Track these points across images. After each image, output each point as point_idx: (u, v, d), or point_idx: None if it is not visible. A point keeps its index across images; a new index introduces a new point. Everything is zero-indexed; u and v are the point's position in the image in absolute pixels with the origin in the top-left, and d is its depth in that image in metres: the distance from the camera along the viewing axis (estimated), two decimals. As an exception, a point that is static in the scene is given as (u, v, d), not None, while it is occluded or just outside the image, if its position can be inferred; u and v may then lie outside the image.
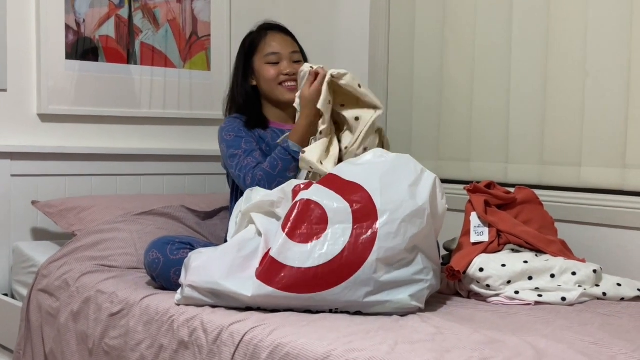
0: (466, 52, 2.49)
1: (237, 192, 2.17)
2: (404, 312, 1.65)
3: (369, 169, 1.76)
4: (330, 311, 1.65)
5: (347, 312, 1.65)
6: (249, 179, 2.02)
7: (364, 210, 1.66)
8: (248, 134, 2.14)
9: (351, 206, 1.67)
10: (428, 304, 1.71)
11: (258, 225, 1.75)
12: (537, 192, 2.30)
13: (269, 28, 2.26)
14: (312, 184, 1.79)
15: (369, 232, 1.63)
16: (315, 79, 1.98)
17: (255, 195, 1.86)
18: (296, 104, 2.05)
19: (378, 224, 1.64)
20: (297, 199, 1.72)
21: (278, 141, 2.08)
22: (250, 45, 2.24)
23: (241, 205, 1.89)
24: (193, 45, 2.90)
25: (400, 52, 2.72)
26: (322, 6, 3.00)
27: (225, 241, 2.00)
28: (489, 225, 1.95)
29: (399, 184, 1.71)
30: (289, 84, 2.18)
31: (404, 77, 2.70)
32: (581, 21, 2.19)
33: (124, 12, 2.73)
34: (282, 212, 1.76)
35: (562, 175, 2.27)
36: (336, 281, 1.61)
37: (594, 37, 2.17)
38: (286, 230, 1.65)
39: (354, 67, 2.76)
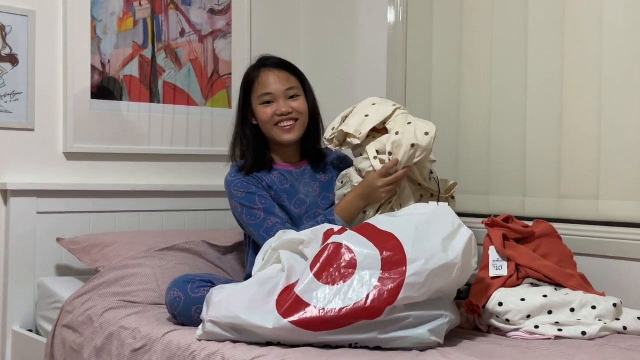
0: (483, 87, 2.52)
1: (250, 240, 2.16)
2: (424, 347, 1.65)
3: (406, 220, 1.77)
4: (350, 346, 1.66)
5: (367, 347, 1.66)
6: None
7: (394, 259, 1.66)
8: (257, 186, 2.09)
9: (381, 253, 1.68)
10: (447, 338, 1.72)
11: (284, 260, 1.78)
12: (555, 225, 2.30)
13: (262, 65, 2.19)
14: (345, 230, 1.82)
15: (396, 281, 1.63)
16: (386, 170, 1.93)
17: (287, 235, 1.90)
18: (355, 179, 2.01)
19: (406, 274, 1.64)
20: (329, 241, 1.74)
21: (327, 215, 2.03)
22: (247, 85, 2.19)
23: (271, 241, 1.92)
24: (214, 83, 2.97)
25: (418, 86, 2.75)
26: (341, 42, 3.05)
27: (248, 275, 2.02)
28: (508, 260, 1.96)
29: (433, 235, 1.71)
30: (285, 124, 2.13)
31: (422, 111, 2.72)
32: (596, 54, 2.21)
33: (147, 53, 2.80)
34: (309, 252, 1.78)
35: (580, 208, 2.26)
36: (356, 322, 1.62)
37: (609, 69, 2.18)
38: (314, 270, 1.68)
39: (372, 103, 2.80)
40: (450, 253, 1.69)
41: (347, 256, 1.69)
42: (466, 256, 1.71)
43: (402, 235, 1.70)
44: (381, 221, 1.80)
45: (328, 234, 1.81)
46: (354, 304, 1.62)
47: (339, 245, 1.71)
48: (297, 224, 2.11)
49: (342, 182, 2.11)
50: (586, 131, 2.24)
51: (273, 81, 2.15)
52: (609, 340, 1.78)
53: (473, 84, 2.56)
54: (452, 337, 1.75)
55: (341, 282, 1.65)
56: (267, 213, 2.05)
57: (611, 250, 2.16)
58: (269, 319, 1.64)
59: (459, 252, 1.69)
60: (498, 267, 1.94)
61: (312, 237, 1.83)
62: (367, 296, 1.62)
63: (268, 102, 2.14)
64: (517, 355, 1.62)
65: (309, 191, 2.18)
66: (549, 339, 1.79)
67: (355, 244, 1.71)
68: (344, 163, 2.28)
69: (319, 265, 1.69)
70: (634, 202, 2.13)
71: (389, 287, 1.63)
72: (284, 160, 2.21)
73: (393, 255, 1.67)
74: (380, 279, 1.64)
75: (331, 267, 1.68)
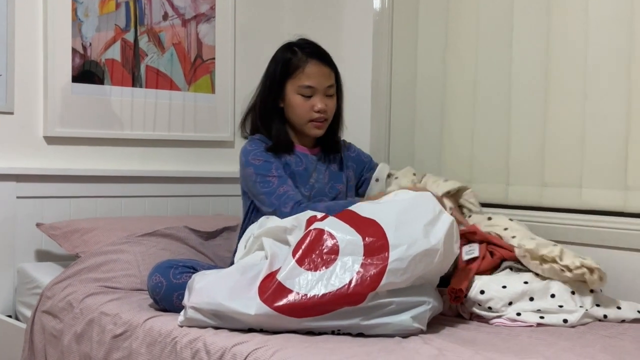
0: (468, 75, 2.52)
1: (251, 214, 2.14)
2: (406, 334, 1.66)
3: (387, 206, 1.77)
4: (332, 332, 1.65)
5: (349, 334, 1.66)
6: (288, 207, 1.97)
7: (376, 244, 1.67)
8: (276, 160, 2.08)
9: (363, 239, 1.68)
10: (430, 325, 1.72)
11: (266, 247, 1.77)
12: (538, 213, 2.32)
13: (310, 54, 2.11)
14: (328, 216, 1.81)
15: (379, 266, 1.63)
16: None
17: (269, 222, 1.89)
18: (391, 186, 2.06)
19: (389, 259, 1.64)
20: (311, 227, 1.73)
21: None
22: (286, 67, 2.11)
23: (254, 228, 1.91)
24: (198, 68, 2.94)
25: (403, 73, 2.74)
26: (326, 28, 3.03)
27: (232, 262, 2.01)
28: (479, 242, 1.97)
29: (414, 221, 1.71)
30: (319, 122, 2.12)
31: (407, 101, 2.72)
32: (581, 45, 2.22)
33: (129, 36, 2.77)
34: (293, 239, 1.78)
35: (562, 197, 2.28)
36: (339, 308, 1.62)
37: (594, 60, 2.19)
38: (296, 256, 1.67)
39: (357, 91, 2.79)
40: (432, 239, 1.69)
41: (329, 242, 1.69)
42: (448, 242, 1.72)
43: (384, 221, 1.71)
44: (363, 208, 1.79)
45: (311, 221, 1.81)
46: (337, 289, 1.61)
47: (321, 232, 1.71)
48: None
49: (377, 180, 2.24)
50: (570, 120, 2.25)
51: (318, 75, 2.10)
52: (590, 327, 1.79)
53: (458, 72, 2.56)
54: (435, 324, 1.76)
55: (323, 268, 1.65)
56: (281, 181, 2.03)
57: (593, 239, 2.18)
58: (251, 306, 1.63)
59: (441, 238, 1.70)
60: (468, 252, 1.95)
61: (295, 224, 1.83)
62: (350, 282, 1.62)
63: (306, 96, 2.10)
64: (499, 342, 1.63)
65: (319, 177, 2.18)
66: (531, 326, 1.80)
67: (338, 230, 1.71)
68: (354, 161, 2.32)
69: (301, 251, 1.68)
70: (617, 190, 2.15)
71: (372, 272, 1.63)
72: (301, 143, 2.20)
73: (375, 241, 1.67)
74: (362, 265, 1.64)
75: (313, 253, 1.68)
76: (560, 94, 2.27)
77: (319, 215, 1.84)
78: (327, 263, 1.66)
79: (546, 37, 2.30)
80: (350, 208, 1.82)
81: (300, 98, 2.10)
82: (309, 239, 1.70)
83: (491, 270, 1.94)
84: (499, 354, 1.50)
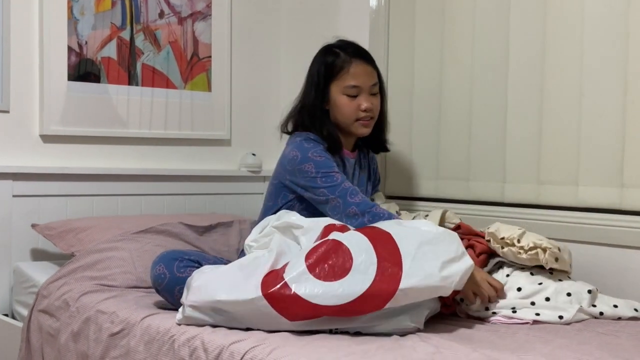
0: (464, 72, 2.52)
1: (289, 208, 2.10)
2: (404, 332, 1.66)
3: (413, 233, 1.74)
4: (330, 331, 1.65)
5: (347, 333, 1.66)
6: (356, 198, 1.96)
7: (389, 271, 1.64)
8: (333, 160, 2.08)
9: (379, 261, 1.66)
10: (427, 323, 1.72)
11: (274, 244, 1.77)
12: (535, 211, 2.32)
13: (353, 54, 2.13)
14: (347, 228, 1.81)
15: (386, 293, 1.62)
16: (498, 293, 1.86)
17: (288, 215, 1.90)
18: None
19: (398, 289, 1.62)
20: (330, 237, 1.72)
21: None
22: (330, 69, 2.12)
23: (272, 219, 1.92)
24: (194, 66, 2.93)
25: (400, 71, 2.74)
26: (322, 29, 3.03)
27: (241, 250, 2.00)
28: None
29: (434, 257, 1.68)
30: (365, 120, 2.12)
31: (404, 96, 2.72)
32: (577, 41, 2.22)
33: (125, 34, 2.76)
34: (305, 240, 1.78)
35: (559, 194, 2.28)
36: (339, 317, 1.63)
37: (590, 57, 2.19)
38: (309, 262, 1.66)
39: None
40: (446, 276, 1.67)
41: (344, 257, 1.67)
42: (460, 283, 1.69)
43: (404, 249, 1.68)
44: (391, 227, 1.76)
45: (329, 229, 1.80)
46: (341, 304, 1.61)
47: (338, 244, 1.69)
48: None
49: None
50: (566, 117, 2.25)
51: (363, 74, 2.11)
52: (586, 325, 1.80)
53: (455, 69, 2.56)
54: (432, 322, 1.76)
55: (332, 280, 1.63)
56: (344, 178, 2.03)
57: (589, 236, 2.18)
58: (250, 292, 1.63)
59: (456, 279, 1.67)
60: None
61: (311, 226, 1.82)
62: (355, 300, 1.61)
63: (351, 96, 2.11)
64: (496, 339, 1.63)
65: (352, 181, 2.21)
66: (527, 323, 1.80)
67: (355, 246, 1.68)
68: (374, 173, 2.38)
69: (314, 257, 1.67)
70: (613, 188, 2.15)
71: (378, 297, 1.62)
72: (345, 146, 2.20)
73: (390, 267, 1.65)
74: (371, 286, 1.62)
75: (326, 263, 1.66)
76: (557, 91, 2.27)
77: (338, 224, 1.84)
78: (337, 276, 1.63)
79: (542, 35, 2.30)
80: (377, 225, 1.80)
81: (346, 98, 2.11)
82: (325, 247, 1.68)
83: (481, 266, 1.94)
84: (496, 351, 1.50)
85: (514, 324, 1.80)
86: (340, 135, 2.17)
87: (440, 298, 1.79)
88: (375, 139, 2.28)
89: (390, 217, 1.95)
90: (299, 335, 1.62)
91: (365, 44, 2.83)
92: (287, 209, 2.08)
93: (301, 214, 1.96)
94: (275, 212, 2.09)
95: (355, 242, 1.70)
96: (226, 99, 3.01)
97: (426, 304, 1.71)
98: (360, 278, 1.63)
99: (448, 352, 1.49)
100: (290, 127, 2.21)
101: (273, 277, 1.65)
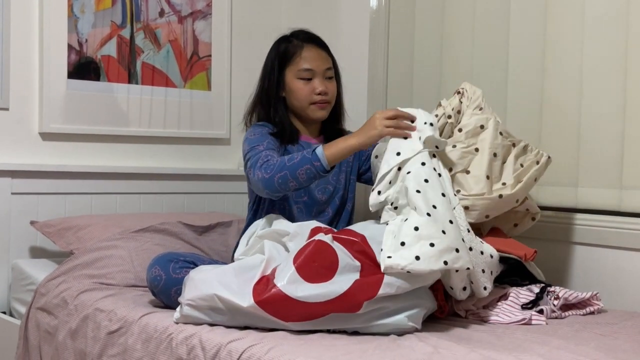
0: (464, 73, 2.52)
1: (257, 205, 2.12)
2: (402, 332, 1.66)
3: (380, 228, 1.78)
4: (327, 331, 1.65)
5: (345, 332, 1.66)
6: (260, 162, 1.91)
7: (371, 269, 1.68)
8: (275, 141, 2.06)
9: (362, 265, 1.69)
10: (425, 323, 1.72)
11: (265, 249, 1.78)
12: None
13: (305, 40, 2.15)
14: (332, 230, 1.82)
15: (372, 287, 1.64)
16: (396, 112, 1.88)
17: (276, 222, 1.89)
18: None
19: (382, 284, 1.64)
20: (316, 238, 1.73)
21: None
22: (284, 56, 2.13)
23: (258, 225, 1.91)
24: (194, 65, 2.93)
25: (400, 71, 2.74)
26: (323, 27, 3.02)
27: (232, 259, 2.00)
28: None
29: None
30: (321, 103, 2.11)
31: (403, 98, 2.72)
32: (577, 43, 2.22)
33: (125, 33, 2.76)
34: (293, 246, 1.78)
35: (558, 196, 2.28)
36: (334, 314, 1.63)
37: (590, 59, 2.19)
38: (296, 263, 1.66)
39: (354, 87, 2.79)
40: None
41: (330, 257, 1.68)
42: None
43: (374, 245, 1.71)
44: (365, 228, 1.80)
45: (315, 231, 1.81)
46: (332, 299, 1.61)
47: (325, 245, 1.70)
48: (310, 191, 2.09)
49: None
50: (566, 119, 2.25)
51: (316, 58, 2.12)
52: (584, 325, 1.80)
53: (454, 69, 2.55)
54: (430, 322, 1.76)
55: (321, 280, 1.64)
56: (267, 149, 1.98)
57: (589, 238, 2.18)
58: (245, 301, 1.63)
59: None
60: None
61: (297, 232, 1.83)
62: (345, 293, 1.62)
63: (305, 79, 2.11)
64: (494, 340, 1.63)
65: None
66: (526, 324, 1.80)
67: (340, 249, 1.70)
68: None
69: (301, 259, 1.67)
70: (613, 190, 2.15)
71: (368, 282, 1.63)
72: (306, 133, 2.19)
73: (371, 265, 1.68)
74: (356, 282, 1.64)
75: (313, 264, 1.67)
76: (557, 92, 2.27)
77: (324, 226, 1.85)
78: (325, 277, 1.65)
79: (542, 35, 2.30)
80: (351, 227, 1.82)
81: (301, 82, 2.11)
82: (310, 248, 1.69)
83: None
84: (494, 351, 1.50)
85: (513, 324, 1.80)
86: (298, 122, 2.16)
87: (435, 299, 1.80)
88: (333, 127, 2.22)
89: (282, 163, 1.87)
90: (297, 334, 1.62)
91: (365, 44, 2.84)
92: (257, 203, 2.10)
93: (272, 209, 1.98)
94: (252, 210, 2.11)
95: (340, 246, 1.71)
96: (226, 98, 3.01)
97: (423, 303, 1.71)
98: (346, 277, 1.65)
99: (446, 352, 1.48)
100: (254, 120, 2.19)
101: (264, 284, 1.66)
